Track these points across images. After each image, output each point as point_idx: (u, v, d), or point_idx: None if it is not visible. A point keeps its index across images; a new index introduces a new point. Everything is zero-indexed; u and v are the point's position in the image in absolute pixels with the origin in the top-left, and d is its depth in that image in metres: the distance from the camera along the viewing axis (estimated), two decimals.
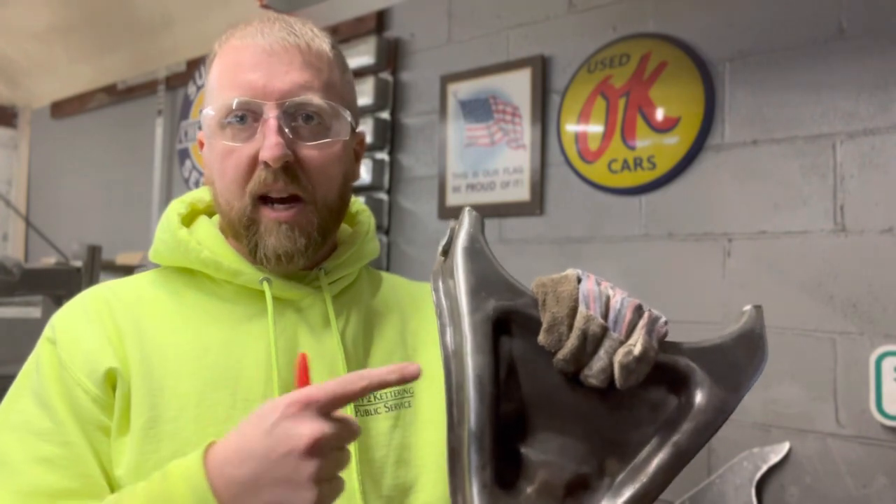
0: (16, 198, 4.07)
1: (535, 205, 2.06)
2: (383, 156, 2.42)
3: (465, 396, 0.56)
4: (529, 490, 0.58)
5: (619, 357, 0.57)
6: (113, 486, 0.72)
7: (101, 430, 0.72)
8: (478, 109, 2.20)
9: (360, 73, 2.41)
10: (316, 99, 0.75)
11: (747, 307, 0.67)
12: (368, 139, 2.38)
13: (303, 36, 0.77)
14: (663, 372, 0.59)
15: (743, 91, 1.71)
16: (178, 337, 0.75)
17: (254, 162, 0.74)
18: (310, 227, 0.76)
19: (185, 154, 3.17)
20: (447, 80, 2.28)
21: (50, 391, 0.72)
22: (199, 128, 0.83)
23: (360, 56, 2.39)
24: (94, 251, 2.43)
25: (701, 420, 0.59)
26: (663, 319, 0.61)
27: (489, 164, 2.17)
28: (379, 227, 2.41)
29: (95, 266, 2.43)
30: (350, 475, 0.73)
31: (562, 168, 2.01)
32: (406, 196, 2.39)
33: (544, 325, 0.58)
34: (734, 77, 1.73)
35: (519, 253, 2.07)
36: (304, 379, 0.65)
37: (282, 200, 0.75)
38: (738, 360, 0.62)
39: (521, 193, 2.09)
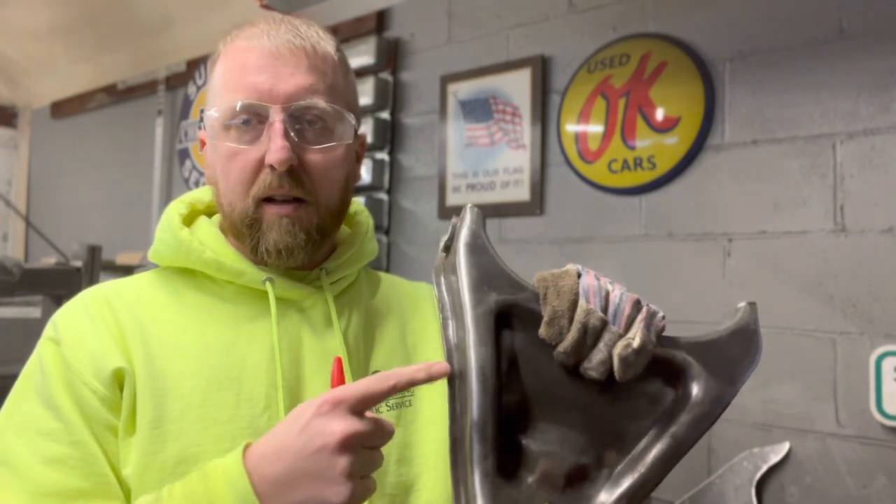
0: (16, 198, 4.07)
1: (535, 205, 2.06)
2: (383, 156, 2.42)
3: (467, 388, 0.57)
4: (530, 480, 0.59)
5: (618, 350, 0.59)
6: (122, 486, 0.72)
7: (110, 429, 0.72)
8: (478, 109, 2.20)
9: (360, 73, 2.41)
10: (321, 102, 0.75)
11: (741, 304, 0.69)
12: (368, 139, 2.38)
13: (308, 38, 0.77)
14: (661, 365, 0.61)
15: (743, 91, 1.71)
16: (180, 337, 0.75)
17: (259, 165, 0.74)
18: (310, 224, 0.76)
19: (185, 154, 3.17)
20: (447, 80, 2.28)
21: (56, 392, 0.72)
22: (201, 127, 0.82)
23: (360, 56, 2.39)
24: (94, 251, 2.43)
25: (698, 412, 0.61)
26: (661, 314, 0.62)
27: (489, 164, 2.17)
28: (379, 227, 2.41)
29: (95, 266, 2.42)
30: None
31: (562, 168, 2.01)
32: (406, 196, 2.39)
33: (545, 318, 0.59)
34: (734, 77, 1.73)
35: (519, 253, 2.07)
36: (339, 381, 0.66)
37: (284, 200, 0.75)
38: (734, 354, 0.64)
39: (521, 193, 2.09)
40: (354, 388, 0.60)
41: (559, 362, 0.60)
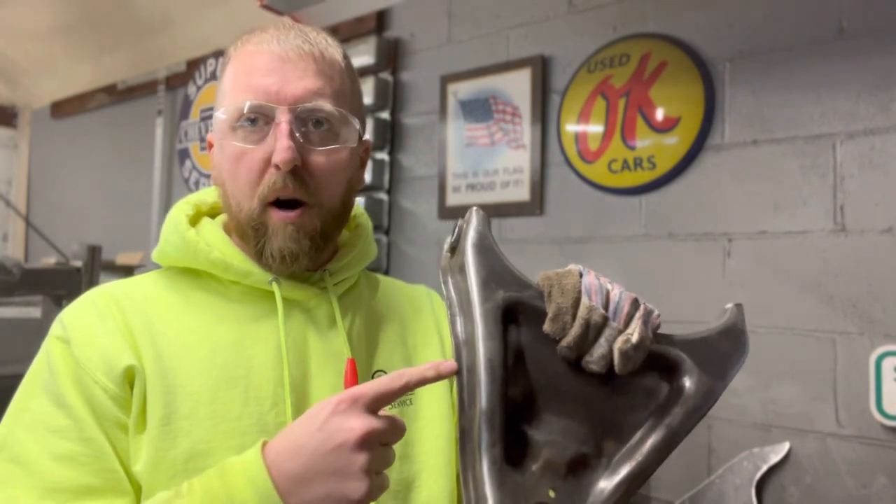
0: (16, 198, 4.07)
1: (535, 205, 2.06)
2: (383, 156, 2.42)
3: (476, 379, 0.60)
4: (534, 468, 0.62)
5: (618, 344, 0.62)
6: (132, 483, 0.73)
7: (120, 427, 0.72)
8: (478, 109, 2.20)
9: (360, 73, 2.40)
10: (327, 105, 0.77)
11: (729, 305, 0.75)
12: (369, 139, 2.38)
13: (317, 44, 0.79)
14: (656, 360, 0.65)
15: (743, 91, 1.71)
16: (187, 337, 0.76)
17: (265, 165, 0.76)
18: (313, 230, 0.78)
19: (185, 154, 3.17)
20: (447, 80, 2.28)
21: (66, 390, 0.73)
22: (209, 129, 0.83)
23: (360, 56, 2.39)
24: (94, 251, 2.43)
25: (691, 404, 0.64)
26: (656, 312, 0.67)
27: (489, 164, 2.17)
28: (379, 227, 2.41)
29: (95, 266, 2.42)
30: None
31: (562, 168, 2.02)
32: (406, 196, 2.39)
33: (550, 314, 0.63)
34: (734, 77, 1.73)
35: (519, 253, 2.07)
36: (352, 381, 0.67)
37: (288, 203, 0.77)
38: (724, 351, 0.68)
39: (521, 193, 2.09)
40: (370, 386, 0.62)
41: (562, 356, 0.64)
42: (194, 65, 3.13)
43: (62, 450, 0.70)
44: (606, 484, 0.63)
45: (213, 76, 3.03)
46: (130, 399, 0.73)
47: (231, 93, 0.78)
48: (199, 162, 3.09)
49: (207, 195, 0.89)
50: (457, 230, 0.68)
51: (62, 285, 2.32)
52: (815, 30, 1.62)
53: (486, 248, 0.65)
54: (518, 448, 0.62)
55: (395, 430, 0.63)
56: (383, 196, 2.41)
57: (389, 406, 0.80)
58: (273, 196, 0.76)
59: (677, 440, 0.64)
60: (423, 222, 2.33)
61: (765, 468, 1.60)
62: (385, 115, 2.42)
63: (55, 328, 0.77)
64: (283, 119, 0.75)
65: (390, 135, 2.43)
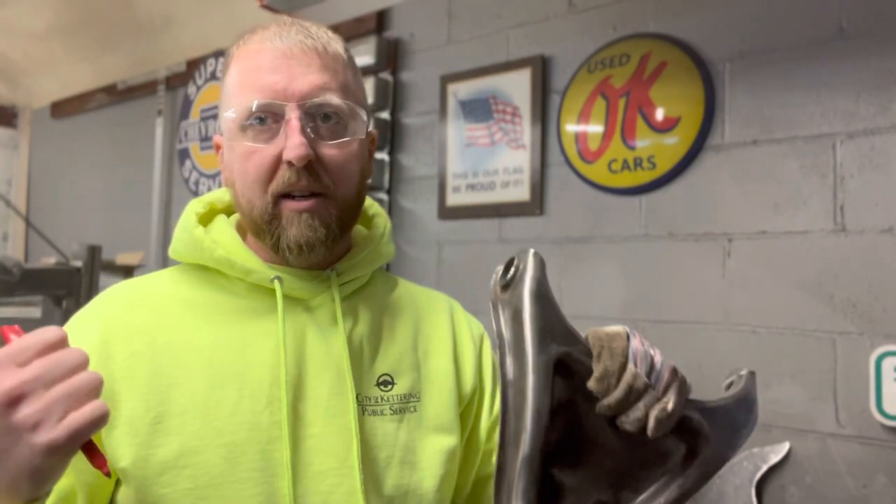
0: (16, 198, 4.07)
1: (535, 205, 2.06)
2: (383, 156, 2.42)
3: (522, 425, 0.63)
4: None
5: (655, 412, 0.65)
6: (120, 479, 0.73)
7: None
8: (478, 109, 2.21)
9: (361, 73, 2.40)
10: (335, 99, 0.77)
11: (743, 371, 0.78)
12: None
13: (319, 39, 0.79)
14: (679, 424, 0.69)
15: (743, 91, 1.72)
16: (190, 334, 0.77)
17: (276, 162, 0.76)
18: (329, 218, 0.78)
19: (185, 154, 3.17)
20: (447, 80, 2.28)
21: None
22: (210, 130, 0.84)
23: (360, 56, 2.39)
24: (94, 251, 2.43)
25: (703, 469, 0.70)
26: (688, 381, 0.69)
27: (489, 164, 2.17)
28: None
29: (95, 266, 2.42)
30: (352, 473, 0.75)
31: (562, 168, 2.02)
32: (406, 196, 2.39)
33: (597, 374, 0.66)
34: (734, 77, 1.73)
35: None
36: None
37: (302, 196, 0.77)
38: (737, 421, 0.74)
39: (521, 193, 2.09)
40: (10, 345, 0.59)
41: (600, 412, 0.67)
42: (194, 65, 3.13)
43: None
44: None
45: (213, 76, 3.03)
46: None
47: (237, 92, 0.78)
48: (199, 162, 3.09)
49: (224, 193, 0.90)
50: (513, 269, 0.69)
51: (62, 285, 2.32)
52: (815, 30, 1.62)
53: (544, 298, 0.67)
54: (546, 489, 0.65)
55: (52, 364, 0.58)
56: (383, 196, 2.41)
57: (391, 412, 0.80)
58: (287, 190, 0.76)
59: (687, 498, 0.69)
60: (423, 222, 2.33)
61: (765, 468, 1.61)
62: (385, 115, 2.42)
63: None
64: (292, 115, 0.75)
65: (390, 135, 2.43)
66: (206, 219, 0.86)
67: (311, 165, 0.76)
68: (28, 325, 0.60)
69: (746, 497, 1.60)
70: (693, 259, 1.77)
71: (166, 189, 3.25)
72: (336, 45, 0.81)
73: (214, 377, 0.75)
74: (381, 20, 2.47)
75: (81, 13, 3.16)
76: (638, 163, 1.84)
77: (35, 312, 2.35)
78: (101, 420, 0.58)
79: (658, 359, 0.67)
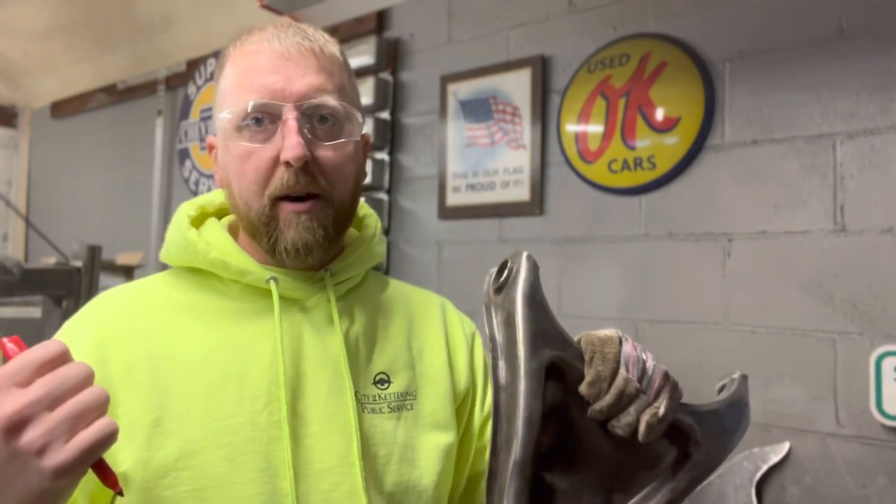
0: (16, 198, 4.07)
1: (535, 205, 2.06)
2: (383, 156, 2.42)
3: (514, 431, 0.64)
4: None
5: (646, 417, 0.66)
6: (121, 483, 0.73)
7: None
8: (478, 109, 2.20)
9: (360, 73, 2.41)
10: (331, 101, 0.78)
11: (735, 375, 0.79)
12: None
13: (316, 41, 0.80)
14: (671, 428, 0.69)
15: (743, 91, 1.71)
16: (188, 337, 0.77)
17: (273, 163, 0.76)
18: (326, 219, 0.78)
19: (185, 154, 3.17)
20: (447, 80, 2.28)
21: None
22: (210, 132, 0.83)
23: (360, 56, 2.39)
24: (94, 251, 2.43)
25: (695, 473, 0.71)
26: (680, 385, 0.70)
27: (489, 164, 2.17)
28: None
29: (95, 266, 2.42)
30: (353, 470, 0.76)
31: (562, 168, 2.02)
32: (406, 196, 2.39)
33: (589, 379, 0.67)
34: (734, 77, 1.73)
35: None
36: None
37: (299, 198, 0.77)
38: (729, 425, 0.74)
39: (521, 193, 2.09)
40: (10, 363, 0.56)
41: (591, 416, 0.67)
42: (194, 65, 3.13)
43: None
44: None
45: (213, 76, 3.03)
46: None
47: (234, 93, 0.78)
48: (199, 162, 3.09)
49: (216, 196, 0.90)
50: (506, 272, 0.69)
51: (62, 285, 2.32)
52: (815, 30, 1.62)
53: (536, 303, 0.67)
54: (538, 493, 0.66)
55: (55, 384, 0.55)
56: (383, 196, 2.41)
57: (389, 409, 0.81)
58: (284, 192, 0.76)
59: (677, 502, 0.70)
60: (422, 222, 2.33)
61: (765, 468, 1.60)
62: (385, 115, 2.42)
63: None
64: (289, 116, 0.75)
65: (390, 135, 2.43)
66: (197, 222, 0.86)
67: (308, 166, 0.76)
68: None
69: (746, 497, 1.60)
70: (693, 259, 1.77)
71: (166, 189, 3.25)
72: (332, 47, 0.82)
73: (213, 379, 0.75)
74: (381, 20, 2.47)
75: (81, 13, 3.16)
76: (638, 163, 1.84)
77: (35, 312, 2.35)
78: (109, 438, 0.56)
79: (650, 363, 0.68)
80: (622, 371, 0.66)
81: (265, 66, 0.77)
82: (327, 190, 0.78)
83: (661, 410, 0.66)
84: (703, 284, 1.75)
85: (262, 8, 1.88)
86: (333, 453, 0.76)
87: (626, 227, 1.89)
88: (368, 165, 2.37)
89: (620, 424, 0.66)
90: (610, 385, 0.66)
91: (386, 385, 0.82)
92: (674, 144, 1.79)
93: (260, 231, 0.78)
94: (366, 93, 2.38)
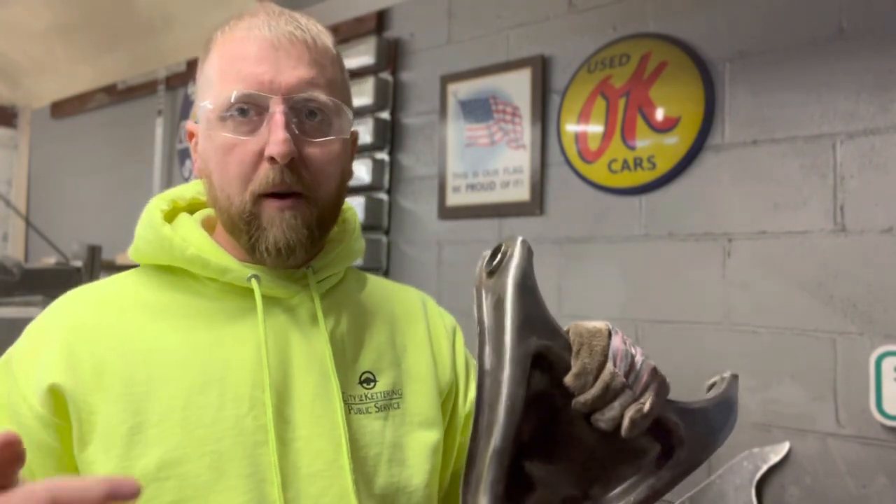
0: (16, 198, 4.07)
1: (535, 205, 2.06)
2: (383, 156, 2.42)
3: (495, 418, 0.63)
4: (528, 503, 0.66)
5: (630, 412, 0.65)
6: None
7: (42, 450, 0.69)
8: (478, 109, 2.21)
9: (360, 73, 2.41)
10: (321, 95, 0.74)
11: (726, 374, 0.79)
12: (368, 139, 2.38)
13: (309, 31, 0.76)
14: (655, 424, 0.68)
15: (743, 91, 1.72)
16: (163, 339, 0.73)
17: (257, 157, 0.72)
18: (310, 219, 0.75)
19: (185, 154, 3.17)
20: (447, 80, 2.28)
21: None
22: (191, 118, 0.81)
23: (360, 56, 2.39)
24: (94, 251, 2.43)
25: (676, 470, 0.70)
26: (668, 381, 0.69)
27: (489, 164, 2.17)
28: (379, 227, 2.41)
29: (95, 266, 2.43)
30: (343, 473, 0.73)
31: (562, 168, 2.02)
32: (406, 196, 2.39)
33: (574, 371, 0.66)
34: (734, 77, 1.73)
35: None
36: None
37: (282, 195, 0.73)
38: (715, 423, 0.74)
39: (521, 193, 2.09)
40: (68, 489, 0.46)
41: (575, 409, 0.66)
42: (194, 65, 3.11)
43: None
44: None
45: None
46: (61, 420, 0.69)
47: (219, 81, 0.74)
48: None
49: (185, 190, 0.86)
50: (499, 255, 0.68)
51: (62, 285, 2.31)
52: (815, 30, 1.62)
53: (527, 289, 0.66)
54: (516, 482, 0.65)
55: (71, 492, 0.46)
56: (383, 196, 2.41)
57: (376, 409, 0.78)
58: (268, 190, 0.72)
59: (657, 498, 0.69)
60: (422, 222, 2.33)
61: (765, 468, 1.60)
62: (385, 115, 2.42)
63: (12, 346, 0.74)
64: (276, 110, 0.71)
65: (390, 135, 2.43)
66: (168, 217, 0.81)
67: (293, 163, 0.72)
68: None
69: (746, 497, 1.60)
70: (693, 259, 1.77)
71: (166, 189, 3.25)
72: (325, 38, 0.78)
73: (193, 383, 0.71)
74: (381, 20, 2.47)
75: (81, 13, 3.16)
76: (638, 163, 1.84)
77: (35, 312, 2.35)
78: None
79: (638, 358, 0.67)
80: (609, 365, 0.65)
81: (253, 55, 0.72)
82: (312, 188, 0.74)
83: (647, 406, 0.65)
84: (703, 284, 1.75)
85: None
86: (322, 457, 0.73)
87: (626, 227, 1.88)
88: (367, 165, 2.38)
89: (604, 418, 0.65)
90: (596, 378, 0.65)
91: (372, 384, 0.80)
92: (674, 144, 1.79)
93: (240, 228, 0.74)
94: (366, 93, 2.38)
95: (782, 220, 1.65)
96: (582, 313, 1.93)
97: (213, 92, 0.74)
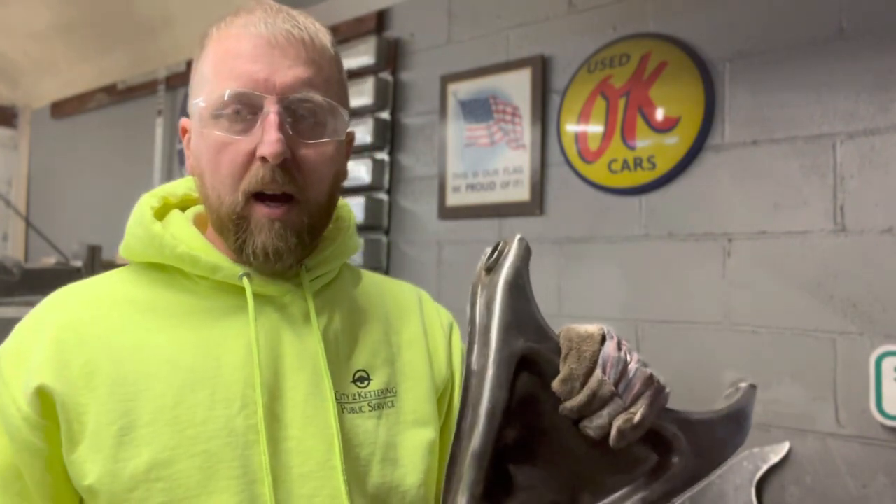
0: (16, 198, 4.07)
1: (535, 205, 2.06)
2: (383, 156, 2.42)
3: (476, 419, 0.62)
4: None
5: (619, 422, 0.63)
6: (85, 498, 0.69)
7: (31, 451, 0.69)
8: (478, 109, 2.20)
9: (360, 73, 2.41)
10: (317, 96, 0.73)
11: (743, 384, 0.74)
12: (368, 139, 2.38)
13: (307, 29, 0.74)
14: (651, 433, 0.66)
15: (743, 91, 1.71)
16: (153, 338, 0.72)
17: (249, 156, 0.71)
18: (301, 226, 0.74)
19: (184, 154, 3.17)
20: (447, 80, 2.28)
21: None
22: (186, 115, 0.80)
23: (360, 56, 2.39)
24: (94, 251, 2.43)
25: (671, 485, 0.67)
26: (668, 390, 0.66)
27: (489, 164, 2.17)
28: (378, 227, 2.41)
29: (95, 266, 2.43)
30: (335, 474, 0.72)
31: (562, 168, 2.02)
32: (406, 196, 2.39)
33: (561, 376, 0.64)
34: (734, 77, 1.73)
35: None
36: None
37: (274, 198, 0.73)
38: (721, 436, 0.70)
39: (521, 193, 2.09)
40: None
41: (562, 414, 0.65)
42: None
43: None
44: None
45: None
46: (48, 421, 0.68)
47: (214, 78, 0.73)
48: None
49: (176, 187, 0.85)
50: (496, 253, 0.67)
51: (62, 285, 2.32)
52: (815, 30, 1.62)
53: (517, 289, 0.65)
54: (500, 485, 0.64)
55: None
56: (383, 196, 2.41)
57: (370, 408, 0.78)
58: (259, 188, 0.71)
59: None
60: (422, 222, 2.33)
61: (765, 468, 1.60)
62: (385, 115, 2.42)
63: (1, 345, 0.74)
64: (271, 109, 0.70)
65: (390, 135, 2.43)
66: (159, 214, 0.81)
67: (286, 164, 0.71)
68: None
69: (746, 497, 1.60)
70: (693, 259, 1.77)
71: None
72: (324, 37, 0.76)
73: (183, 382, 0.70)
74: (381, 20, 2.47)
75: (81, 13, 3.16)
76: (638, 163, 1.84)
77: None
78: None
79: (632, 366, 0.65)
80: (597, 371, 0.63)
81: (248, 53, 0.71)
82: (303, 190, 0.73)
83: (637, 417, 0.63)
84: (703, 284, 1.75)
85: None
86: (313, 457, 0.72)
87: (626, 227, 1.88)
88: (367, 165, 2.38)
89: (592, 426, 0.64)
90: (583, 385, 0.63)
91: (366, 383, 0.78)
92: (674, 144, 1.79)
93: (228, 228, 0.74)
94: (366, 93, 2.38)
95: (782, 220, 1.65)
96: (582, 313, 1.93)
97: (206, 89, 0.74)
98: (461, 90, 2.24)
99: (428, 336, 0.87)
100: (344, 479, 0.72)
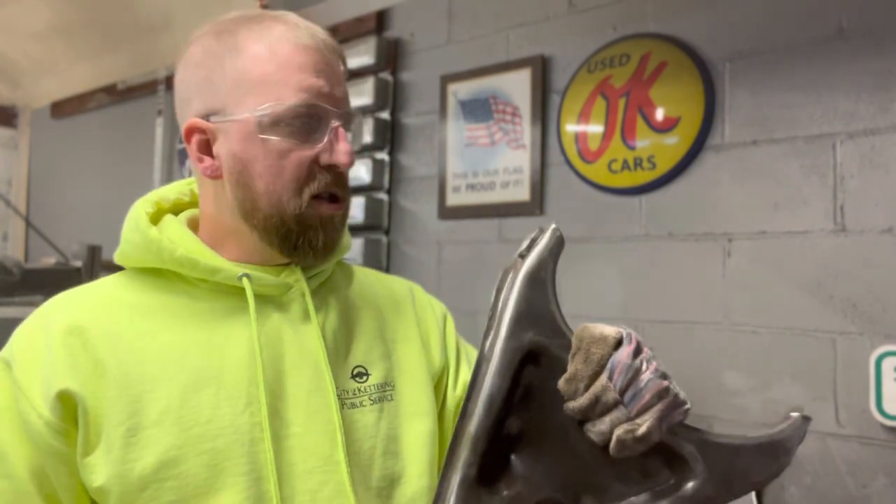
0: (16, 198, 4.07)
1: (535, 205, 2.06)
2: (383, 156, 2.42)
3: (475, 403, 0.63)
4: (505, 493, 0.65)
5: (619, 432, 0.62)
6: (96, 499, 0.70)
7: (57, 456, 0.70)
8: (478, 109, 2.20)
9: (360, 73, 2.41)
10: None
11: (795, 413, 0.67)
12: (368, 139, 2.39)
13: (333, 40, 0.80)
14: (666, 449, 0.64)
15: (743, 91, 1.71)
16: (155, 341, 0.73)
17: (314, 163, 0.76)
18: (346, 222, 0.82)
19: (185, 154, 3.16)
20: (447, 80, 2.28)
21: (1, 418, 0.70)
22: (205, 117, 0.77)
23: (360, 56, 2.39)
24: (94, 251, 2.43)
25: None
26: (686, 406, 0.64)
27: (489, 164, 2.17)
28: (378, 227, 2.41)
29: (95, 266, 2.43)
30: (339, 468, 0.74)
31: (562, 168, 2.02)
32: (406, 196, 2.39)
33: (566, 375, 0.64)
34: (734, 77, 1.73)
35: None
36: None
37: (333, 198, 0.79)
38: (748, 466, 0.64)
39: (521, 193, 2.09)
40: None
41: (566, 413, 0.65)
42: None
43: None
44: None
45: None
46: (69, 425, 0.69)
47: (275, 85, 0.74)
48: None
49: (168, 191, 0.87)
50: (530, 242, 0.69)
51: (62, 285, 2.32)
52: (815, 30, 1.62)
53: (536, 281, 0.66)
54: (499, 471, 0.64)
55: None
56: (383, 196, 2.41)
57: (370, 402, 0.79)
58: (326, 191, 0.77)
59: None
60: (422, 222, 2.33)
61: None
62: (385, 115, 2.42)
63: (4, 350, 0.74)
64: (339, 122, 0.76)
65: (390, 135, 2.43)
66: (153, 219, 0.82)
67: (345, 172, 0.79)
68: None
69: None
70: (693, 259, 1.77)
71: None
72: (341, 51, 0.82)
73: (188, 382, 0.71)
74: (381, 20, 2.47)
75: (81, 13, 3.16)
76: (638, 163, 1.84)
77: None
78: None
79: (646, 375, 0.63)
80: (603, 376, 0.63)
81: (312, 66, 0.75)
82: (347, 194, 0.81)
83: (642, 430, 0.61)
84: (703, 284, 1.75)
85: (262, 8, 1.88)
86: (317, 452, 0.74)
87: (626, 227, 1.88)
88: (367, 165, 2.38)
89: (594, 430, 0.63)
90: (587, 387, 0.63)
91: (364, 378, 0.80)
92: (674, 144, 1.79)
93: (289, 228, 0.76)
94: (366, 93, 2.38)
95: (782, 220, 1.65)
96: (581, 313, 1.93)
97: (264, 95, 0.74)
98: (461, 90, 2.24)
99: (422, 328, 0.90)
100: (348, 473, 0.74)
